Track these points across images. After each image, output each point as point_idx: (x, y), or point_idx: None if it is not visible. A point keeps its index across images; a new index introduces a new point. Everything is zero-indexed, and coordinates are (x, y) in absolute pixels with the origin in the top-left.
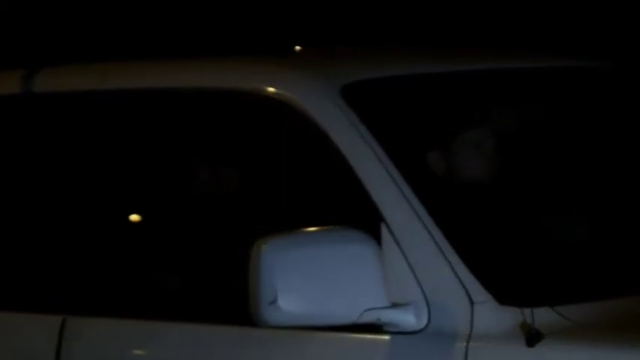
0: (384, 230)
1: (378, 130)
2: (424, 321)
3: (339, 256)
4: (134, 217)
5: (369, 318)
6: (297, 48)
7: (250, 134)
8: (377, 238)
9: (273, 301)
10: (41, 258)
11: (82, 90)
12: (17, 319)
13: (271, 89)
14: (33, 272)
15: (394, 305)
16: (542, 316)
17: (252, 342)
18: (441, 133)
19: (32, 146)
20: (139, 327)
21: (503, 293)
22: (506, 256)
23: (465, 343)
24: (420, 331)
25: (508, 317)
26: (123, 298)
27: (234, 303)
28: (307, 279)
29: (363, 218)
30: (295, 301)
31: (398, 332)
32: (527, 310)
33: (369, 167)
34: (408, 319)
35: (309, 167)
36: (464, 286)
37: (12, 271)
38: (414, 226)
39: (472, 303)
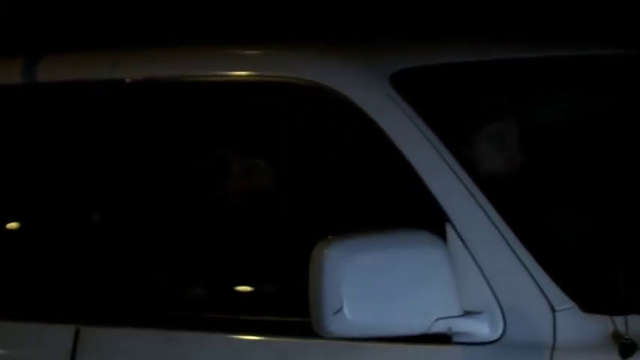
0: (449, 231)
1: (434, 122)
2: (499, 331)
3: (408, 261)
4: (153, 219)
5: (439, 328)
6: None
7: (293, 127)
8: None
9: (339, 310)
10: (53, 264)
11: (91, 79)
12: (30, 330)
13: (314, 79)
14: (45, 281)
15: (466, 313)
16: (633, 325)
17: (302, 355)
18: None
19: (39, 141)
20: (159, 337)
21: (588, 300)
22: (588, 259)
23: (549, 354)
24: (495, 341)
25: (595, 326)
26: (140, 306)
27: (276, 310)
28: (375, 285)
29: (423, 218)
30: (362, 310)
31: (469, 343)
32: (619, 319)
33: (428, 162)
34: (481, 328)
35: (360, 162)
36: (543, 292)
37: (24, 281)
38: (482, 225)
39: (553, 311)
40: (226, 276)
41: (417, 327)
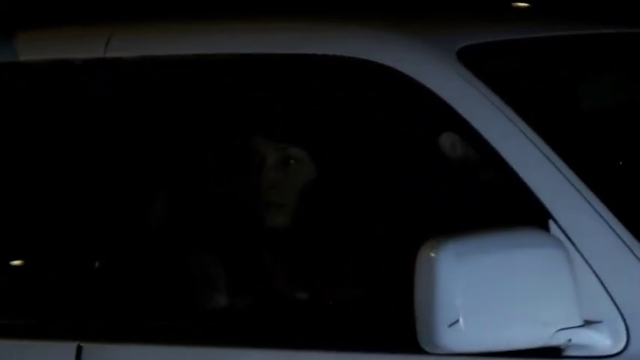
0: (553, 230)
1: (510, 100)
2: (622, 342)
3: (528, 264)
4: (167, 219)
5: (558, 340)
6: None
7: (354, 112)
8: None
9: (454, 323)
10: (53, 278)
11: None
12: (30, 347)
13: (374, 58)
14: (45, 296)
15: (586, 323)
16: None
17: None
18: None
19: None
20: (164, 353)
21: None
22: None
23: None
24: (617, 354)
25: None
26: (145, 321)
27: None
28: (492, 293)
29: (513, 213)
30: (479, 321)
31: (585, 357)
32: None
33: (517, 147)
34: (602, 340)
35: (432, 150)
36: None
37: (23, 296)
38: (591, 222)
39: None
40: (250, 287)
41: (538, 339)
